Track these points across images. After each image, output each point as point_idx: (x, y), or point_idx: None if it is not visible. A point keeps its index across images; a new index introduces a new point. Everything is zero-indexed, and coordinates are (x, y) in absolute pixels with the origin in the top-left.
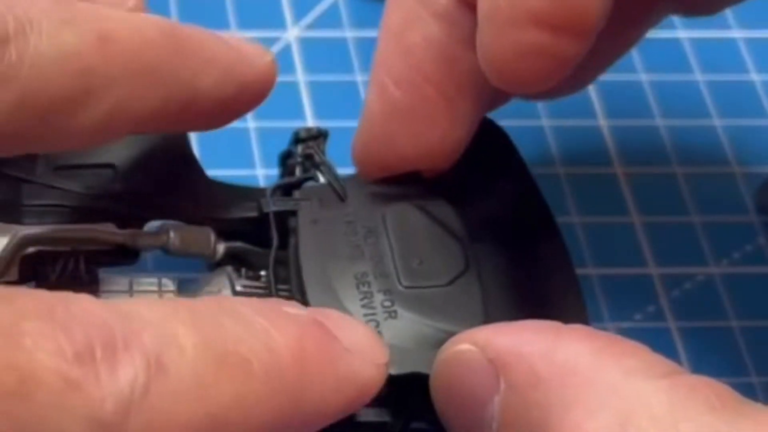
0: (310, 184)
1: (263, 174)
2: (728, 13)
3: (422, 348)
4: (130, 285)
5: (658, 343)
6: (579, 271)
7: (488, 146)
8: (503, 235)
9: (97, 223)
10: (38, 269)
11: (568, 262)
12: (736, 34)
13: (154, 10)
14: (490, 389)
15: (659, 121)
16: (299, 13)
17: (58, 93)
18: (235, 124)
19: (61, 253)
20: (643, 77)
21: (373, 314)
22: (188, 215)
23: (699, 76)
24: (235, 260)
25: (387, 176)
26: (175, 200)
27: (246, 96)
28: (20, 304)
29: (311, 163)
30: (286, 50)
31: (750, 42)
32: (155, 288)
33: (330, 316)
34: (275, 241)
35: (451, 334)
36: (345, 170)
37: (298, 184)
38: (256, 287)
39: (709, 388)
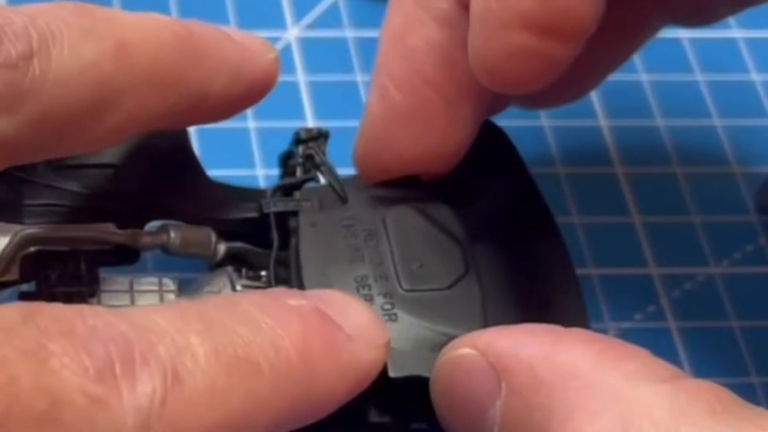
0: (310, 185)
1: (263, 174)
2: None
3: (422, 351)
4: (131, 285)
5: (659, 343)
6: (579, 271)
7: (488, 146)
8: (503, 235)
9: (98, 223)
10: (39, 269)
11: (568, 262)
12: (736, 34)
13: (154, 10)
14: (492, 393)
15: (659, 121)
16: (299, 13)
17: (77, 104)
18: (235, 124)
19: (61, 252)
20: (643, 77)
21: None
22: (189, 215)
23: (699, 76)
24: (236, 260)
25: (388, 179)
26: (175, 200)
27: (251, 93)
28: (43, 323)
29: (312, 164)
30: (286, 50)
31: (750, 42)
32: (156, 288)
33: (331, 302)
34: (276, 242)
35: (451, 337)
36: (345, 170)
37: (298, 185)
38: (257, 287)
39: (710, 392)
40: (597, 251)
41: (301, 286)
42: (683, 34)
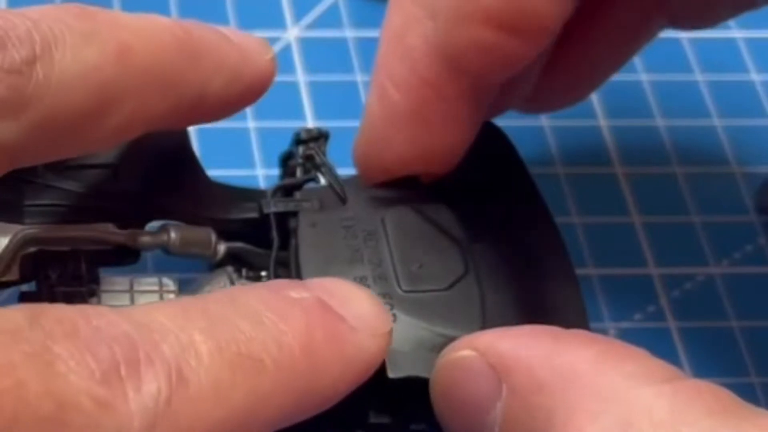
0: (311, 185)
1: (263, 174)
2: None
3: (421, 352)
4: (131, 285)
5: (658, 343)
6: (579, 271)
7: (488, 147)
8: (502, 236)
9: (98, 223)
10: (39, 269)
11: (568, 262)
12: (736, 34)
13: (154, 10)
14: (492, 394)
15: (659, 121)
16: (299, 13)
17: (79, 108)
18: (235, 124)
19: (61, 252)
20: (643, 77)
21: None
22: (189, 215)
23: (699, 76)
24: (236, 260)
25: (387, 180)
26: (175, 200)
27: (249, 93)
28: (47, 325)
29: (312, 164)
30: (286, 50)
31: (750, 42)
32: (156, 288)
33: (334, 292)
34: (276, 242)
35: (451, 338)
36: (345, 170)
37: (299, 186)
38: None
39: (710, 393)
40: (597, 251)
41: None
42: (683, 34)
